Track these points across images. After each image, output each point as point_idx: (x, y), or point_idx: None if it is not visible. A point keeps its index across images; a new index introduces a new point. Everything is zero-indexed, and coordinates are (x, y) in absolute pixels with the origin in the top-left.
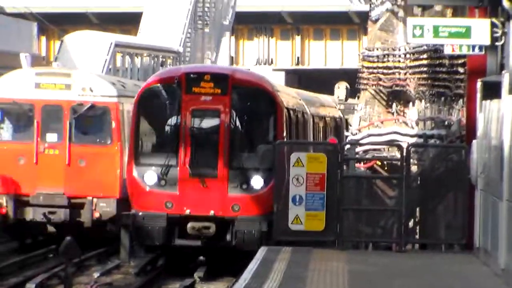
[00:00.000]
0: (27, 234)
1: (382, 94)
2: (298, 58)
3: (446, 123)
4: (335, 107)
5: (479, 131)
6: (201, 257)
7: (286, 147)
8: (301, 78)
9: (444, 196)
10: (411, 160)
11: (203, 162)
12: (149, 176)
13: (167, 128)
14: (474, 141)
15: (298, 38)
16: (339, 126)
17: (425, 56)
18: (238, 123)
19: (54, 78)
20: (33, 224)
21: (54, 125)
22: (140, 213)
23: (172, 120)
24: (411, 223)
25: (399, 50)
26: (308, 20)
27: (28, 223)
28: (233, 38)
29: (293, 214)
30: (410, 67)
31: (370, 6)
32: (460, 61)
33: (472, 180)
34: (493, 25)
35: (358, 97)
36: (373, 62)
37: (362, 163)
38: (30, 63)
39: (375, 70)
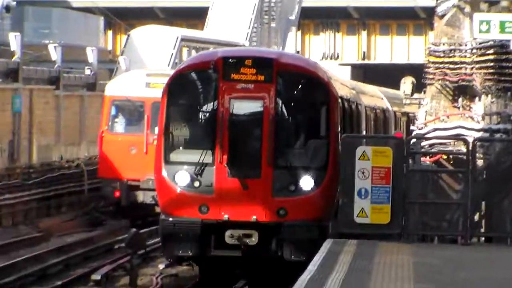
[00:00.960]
0: (137, 215)
1: (448, 89)
2: (364, 53)
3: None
4: (399, 101)
5: None
6: (239, 271)
7: (352, 140)
8: (366, 73)
9: (510, 190)
10: (477, 154)
11: (244, 160)
12: (181, 176)
13: (201, 121)
14: None
15: (364, 33)
16: (399, 120)
17: (491, 51)
18: (284, 115)
19: (162, 78)
20: (142, 206)
21: None
22: (171, 219)
23: (208, 112)
24: (476, 217)
25: (466, 45)
26: (374, 15)
27: (138, 205)
28: (299, 33)
29: (358, 207)
30: (477, 62)
31: (436, 2)
32: None
33: None
34: None
35: (424, 92)
36: (439, 57)
37: (427, 157)
38: (97, 57)
39: (441, 65)
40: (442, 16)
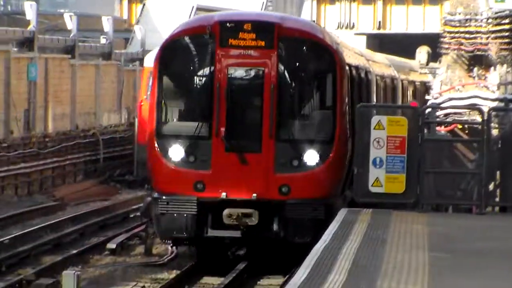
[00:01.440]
0: None
1: (463, 59)
2: (379, 22)
3: None
4: (414, 70)
5: None
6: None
7: (367, 110)
8: (382, 43)
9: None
10: (492, 124)
11: (243, 133)
12: (175, 150)
13: (196, 90)
14: None
15: (380, 3)
16: (417, 89)
17: (507, 21)
18: (287, 83)
19: None
20: None
21: None
22: (164, 197)
23: (203, 81)
24: (491, 186)
25: (481, 15)
26: None
27: None
28: (314, 2)
29: (373, 176)
30: (492, 32)
31: None
32: None
33: None
34: None
35: (440, 62)
36: (455, 27)
37: (442, 126)
38: (112, 26)
39: (456, 35)
40: None
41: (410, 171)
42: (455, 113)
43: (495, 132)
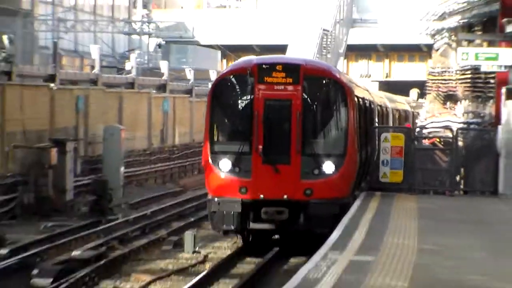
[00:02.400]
0: None
1: (440, 97)
2: (386, 73)
3: (481, 114)
4: (403, 103)
5: (503, 120)
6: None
7: (378, 130)
8: (388, 86)
9: (479, 161)
10: (458, 138)
11: (276, 149)
12: (224, 163)
13: (240, 117)
14: (499, 126)
15: (387, 61)
16: (406, 116)
17: (468, 72)
18: (309, 111)
19: None
20: None
21: None
22: (216, 199)
23: (245, 109)
24: (458, 178)
25: (452, 68)
26: (393, 49)
27: None
28: (345, 61)
29: (382, 171)
30: (459, 79)
31: (434, 41)
32: (491, 75)
33: (498, 151)
34: None
35: (425, 98)
36: (435, 76)
37: (427, 140)
38: (216, 77)
39: (436, 81)
40: (437, 50)
41: (405, 168)
42: (434, 131)
43: (460, 143)
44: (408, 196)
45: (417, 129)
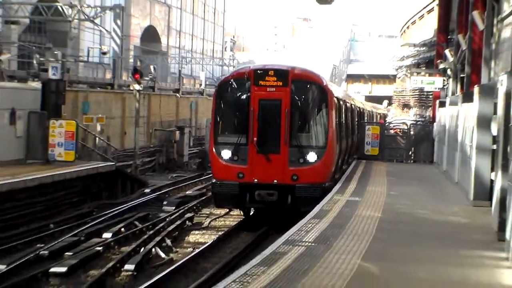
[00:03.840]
0: None
1: (400, 105)
2: (369, 91)
3: (424, 116)
4: (378, 108)
5: (436, 120)
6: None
7: (364, 123)
8: (370, 99)
9: (422, 143)
10: (410, 130)
11: (268, 141)
12: (225, 153)
13: (239, 113)
14: (434, 123)
15: (370, 83)
16: (380, 115)
17: (417, 91)
18: (296, 109)
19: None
20: None
21: None
22: (219, 182)
23: (243, 107)
24: (410, 153)
25: (407, 89)
26: (373, 77)
27: None
28: (345, 83)
29: (366, 148)
30: (411, 95)
31: (397, 72)
32: (430, 93)
33: (433, 137)
34: (443, 80)
35: (391, 106)
36: (397, 93)
37: (392, 130)
38: None
39: (398, 96)
40: (399, 78)
41: (380, 146)
42: (397, 125)
43: (411, 132)
44: (381, 162)
45: (387, 124)
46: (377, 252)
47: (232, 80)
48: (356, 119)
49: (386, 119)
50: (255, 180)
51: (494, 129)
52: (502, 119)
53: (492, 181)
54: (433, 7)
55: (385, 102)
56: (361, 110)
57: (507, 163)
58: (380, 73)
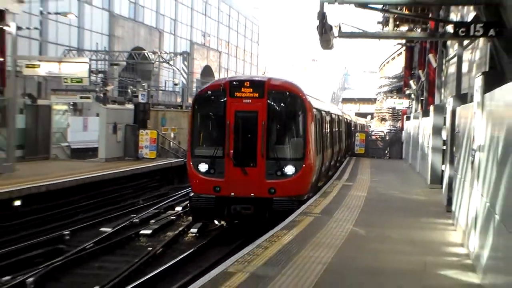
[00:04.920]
0: None
1: (379, 119)
2: (358, 109)
3: (396, 126)
4: (364, 120)
5: (404, 129)
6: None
7: (354, 131)
8: (359, 114)
9: (395, 145)
10: (386, 135)
11: (245, 154)
12: (202, 166)
13: (215, 126)
14: (403, 131)
15: (358, 104)
16: (364, 126)
17: (391, 109)
18: (273, 121)
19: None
20: None
21: None
22: (195, 196)
23: (220, 120)
24: (386, 152)
25: (384, 108)
26: (360, 100)
27: None
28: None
29: (356, 148)
30: (387, 112)
31: (377, 96)
32: (400, 110)
33: (402, 141)
34: (409, 102)
35: (373, 119)
36: (377, 110)
37: (374, 136)
38: None
39: (378, 113)
40: (379, 100)
41: (366, 147)
42: (377, 133)
43: (387, 138)
44: (366, 159)
45: (370, 132)
46: (363, 220)
47: (208, 92)
48: (347, 128)
49: (370, 128)
50: (232, 194)
51: (444, 135)
52: (449, 128)
53: (442, 171)
54: (401, 52)
55: (369, 117)
56: (351, 122)
57: (453, 159)
58: (365, 97)
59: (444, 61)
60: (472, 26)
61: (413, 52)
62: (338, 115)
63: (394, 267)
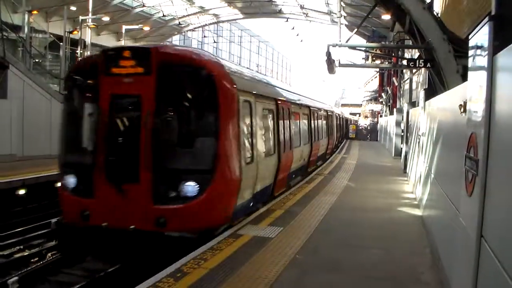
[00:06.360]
0: None
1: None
2: (351, 111)
3: (374, 121)
4: (352, 117)
5: (379, 123)
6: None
7: (348, 123)
8: (351, 114)
9: (374, 132)
10: (368, 126)
11: (121, 163)
12: (69, 180)
13: (88, 121)
14: (378, 124)
15: (351, 107)
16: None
17: (371, 110)
18: (166, 111)
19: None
20: None
21: None
22: (56, 222)
23: (92, 111)
24: (368, 136)
25: (367, 109)
26: (353, 104)
27: None
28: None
29: (350, 134)
30: (369, 112)
31: (362, 103)
32: (376, 111)
33: (378, 130)
34: (382, 106)
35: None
36: (363, 112)
37: (361, 127)
38: None
39: (363, 113)
40: (363, 105)
41: (356, 134)
42: (363, 125)
43: (368, 128)
44: (356, 140)
45: (358, 124)
46: (354, 178)
47: (78, 71)
48: (344, 122)
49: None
50: (104, 223)
51: (402, 126)
52: (405, 122)
53: (401, 148)
54: (377, 75)
55: (358, 115)
56: (347, 119)
57: (407, 141)
58: (355, 103)
59: (402, 82)
60: (417, 61)
61: (384, 76)
62: (338, 114)
63: (373, 206)
